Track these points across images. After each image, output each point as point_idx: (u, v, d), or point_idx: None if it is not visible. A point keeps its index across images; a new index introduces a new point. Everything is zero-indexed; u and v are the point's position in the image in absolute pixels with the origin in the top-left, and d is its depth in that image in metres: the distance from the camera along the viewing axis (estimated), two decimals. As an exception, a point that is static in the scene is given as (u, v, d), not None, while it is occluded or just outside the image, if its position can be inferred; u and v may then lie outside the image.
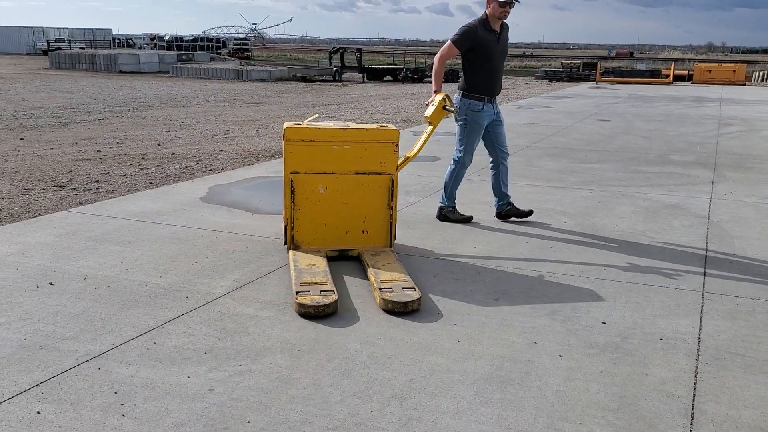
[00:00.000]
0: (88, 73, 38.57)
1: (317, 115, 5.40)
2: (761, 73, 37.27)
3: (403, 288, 3.87)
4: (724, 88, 27.35)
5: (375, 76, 37.07)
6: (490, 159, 5.64)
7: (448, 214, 5.67)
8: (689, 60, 63.04)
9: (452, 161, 5.61)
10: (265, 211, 5.92)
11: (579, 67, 38.61)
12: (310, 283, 3.89)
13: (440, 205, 5.73)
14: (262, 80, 34.25)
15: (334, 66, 37.03)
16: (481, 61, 5.30)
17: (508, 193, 5.70)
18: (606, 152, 9.61)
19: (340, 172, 4.60)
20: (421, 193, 6.71)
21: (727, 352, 3.30)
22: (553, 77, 35.50)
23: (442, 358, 3.19)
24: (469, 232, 5.40)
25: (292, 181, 4.55)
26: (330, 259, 4.51)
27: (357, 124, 4.76)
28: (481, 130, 5.45)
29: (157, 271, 4.31)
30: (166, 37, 76.46)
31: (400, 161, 4.81)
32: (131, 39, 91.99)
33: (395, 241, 4.86)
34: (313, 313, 3.59)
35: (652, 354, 3.27)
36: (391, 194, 4.69)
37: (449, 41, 5.33)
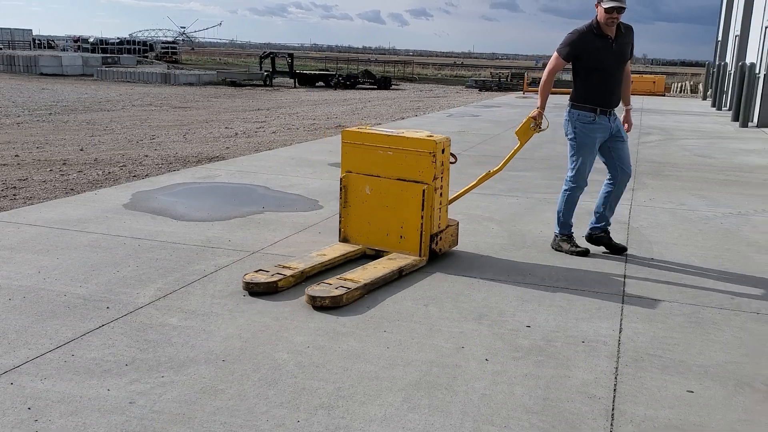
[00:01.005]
0: (5, 75, 37.02)
1: (374, 124, 5.42)
2: (679, 84, 38.99)
3: (341, 286, 3.97)
4: (645, 98, 28.41)
5: (307, 81, 36.94)
6: (609, 175, 5.13)
7: (561, 243, 5.13)
8: (612, 71, 65.22)
9: (564, 183, 5.13)
10: (190, 218, 5.79)
11: (507, 76, 39.52)
12: (284, 266, 4.31)
13: (555, 233, 5.22)
14: (191, 84, 33.63)
15: (265, 71, 36.71)
16: (590, 68, 4.83)
17: (609, 219, 5.22)
18: (532, 160, 9.82)
19: (384, 176, 4.76)
20: (352, 200, 6.69)
21: (645, 354, 3.41)
22: (483, 86, 36.19)
23: (370, 365, 3.18)
24: (399, 238, 5.42)
25: (342, 179, 4.91)
26: (369, 257, 4.77)
27: (406, 132, 4.81)
28: (594, 147, 4.93)
29: (77, 280, 4.15)
30: (91, 39, 74.19)
31: (480, 177, 5.02)
32: (53, 40, 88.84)
33: (448, 249, 4.93)
34: (247, 289, 4.03)
35: (575, 356, 3.35)
36: (422, 204, 4.61)
37: (555, 52, 4.91)
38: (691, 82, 39.46)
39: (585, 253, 5.05)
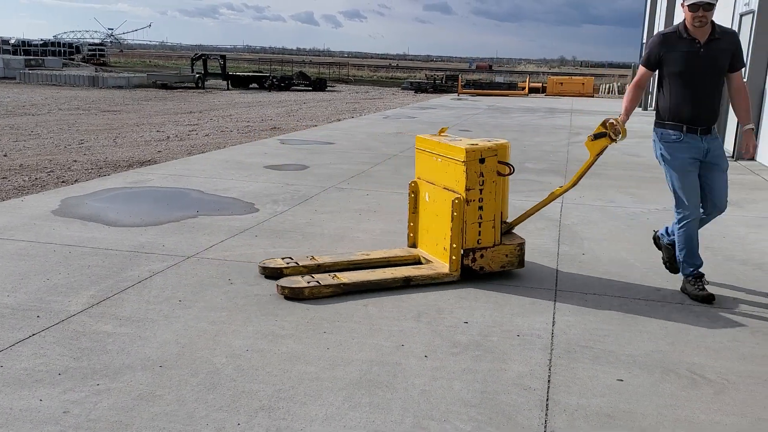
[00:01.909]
0: None
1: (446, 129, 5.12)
2: (607, 85, 40.22)
3: (316, 281, 4.13)
4: (574, 99, 29.23)
5: (240, 83, 36.46)
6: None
7: (686, 285, 4.37)
8: (543, 73, 66.85)
9: (674, 218, 4.36)
10: (123, 223, 5.66)
11: (442, 79, 39.92)
12: (309, 258, 4.62)
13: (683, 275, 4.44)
14: (120, 87, 32.75)
15: (197, 73, 36.07)
16: (673, 76, 4.14)
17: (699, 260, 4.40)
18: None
19: (437, 184, 4.66)
20: (290, 202, 6.67)
21: (577, 346, 3.53)
22: (418, 88, 36.47)
23: (311, 366, 3.19)
24: (339, 239, 5.43)
25: (411, 185, 4.96)
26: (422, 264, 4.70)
27: (463, 139, 4.60)
28: (686, 169, 4.15)
29: (4, 289, 4.01)
30: (12, 41, 71.35)
31: (550, 195, 4.64)
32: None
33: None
34: (260, 271, 4.46)
35: (511, 350, 3.43)
36: (452, 216, 4.38)
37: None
38: (619, 84, 40.74)
39: (707, 299, 4.22)
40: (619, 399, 2.97)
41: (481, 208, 4.38)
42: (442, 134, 4.91)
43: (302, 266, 4.49)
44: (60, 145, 11.97)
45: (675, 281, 4.62)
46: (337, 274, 4.30)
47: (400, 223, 6.00)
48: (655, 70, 4.25)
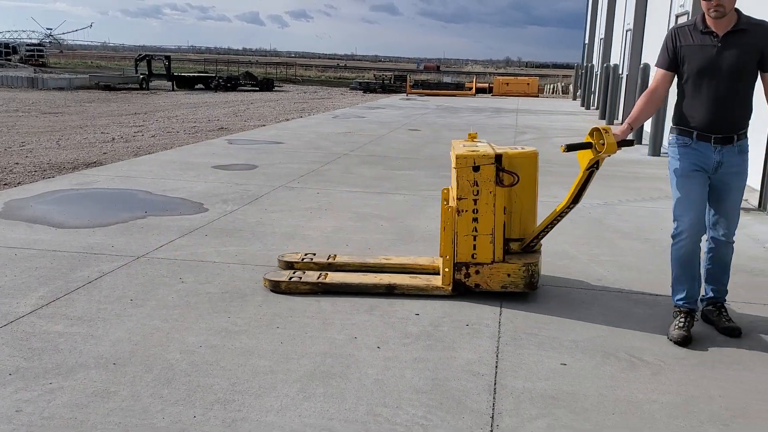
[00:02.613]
0: None
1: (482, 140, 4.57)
2: (552, 86, 41.07)
3: (298, 278, 4.22)
4: (520, 99, 29.74)
5: (185, 84, 35.95)
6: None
7: (673, 317, 3.75)
8: (490, 74, 67.76)
9: None
10: (70, 225, 5.58)
11: (391, 79, 40.10)
12: (331, 257, 4.69)
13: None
14: (61, 89, 31.91)
15: (141, 74, 35.41)
16: (686, 76, 3.59)
17: (722, 287, 3.81)
18: (417, 159, 10.11)
19: (450, 191, 4.41)
20: (239, 202, 6.67)
21: (523, 333, 3.66)
22: (367, 88, 36.56)
23: (264, 360, 3.24)
24: (290, 237, 5.47)
25: (442, 192, 4.65)
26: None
27: (471, 145, 4.26)
28: (689, 179, 3.57)
29: (-53, 293, 3.93)
30: (-56, 41, 68.71)
31: (551, 215, 4.08)
32: None
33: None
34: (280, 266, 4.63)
35: (460, 339, 3.55)
36: (444, 225, 4.10)
37: None
38: (563, 84, 41.65)
39: (681, 342, 3.54)
40: (562, 382, 3.11)
41: (475, 220, 4.01)
42: (472, 139, 4.49)
43: (314, 263, 4.55)
44: None
45: (615, 271, 4.82)
46: (328, 273, 4.31)
47: (351, 220, 6.08)
48: (673, 71, 3.63)
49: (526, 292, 4.13)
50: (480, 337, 3.58)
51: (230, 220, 5.97)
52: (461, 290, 4.12)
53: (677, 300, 3.72)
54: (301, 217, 6.12)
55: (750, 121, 3.61)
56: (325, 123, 15.54)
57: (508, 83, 34.46)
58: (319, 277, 4.23)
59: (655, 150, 11.01)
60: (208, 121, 17.15)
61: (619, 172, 9.35)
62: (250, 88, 35.78)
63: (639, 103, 3.71)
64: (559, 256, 5.16)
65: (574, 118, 18.96)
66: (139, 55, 40.27)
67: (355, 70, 77.40)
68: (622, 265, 5.01)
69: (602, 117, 17.44)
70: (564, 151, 3.70)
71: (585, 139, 3.69)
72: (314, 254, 4.75)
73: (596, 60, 24.55)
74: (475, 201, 4.01)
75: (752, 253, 5.38)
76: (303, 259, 4.63)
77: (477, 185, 3.99)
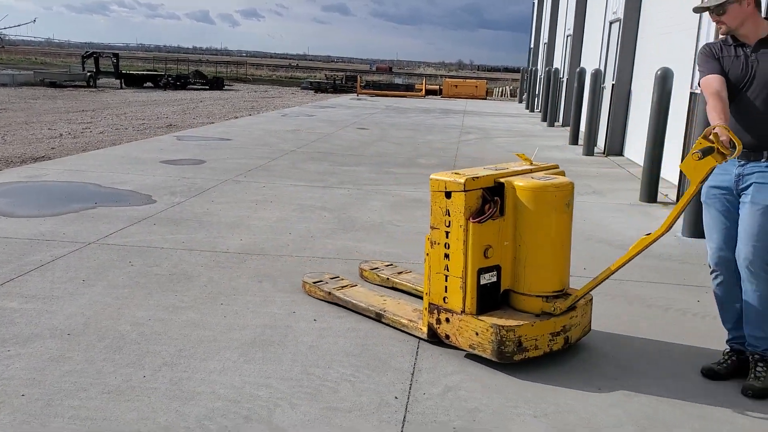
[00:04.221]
0: None
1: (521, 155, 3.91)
2: (500, 89, 41.93)
3: (330, 286, 4.11)
4: (468, 101, 30.34)
5: (134, 82, 35.59)
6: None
7: (714, 365, 3.34)
8: (442, 76, 68.58)
9: None
10: (20, 215, 5.75)
11: (342, 79, 40.41)
12: (401, 272, 4.53)
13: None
14: (4, 85, 31.26)
15: (88, 71, 34.91)
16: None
17: (755, 333, 3.19)
18: (363, 156, 10.44)
19: None
20: (187, 194, 6.90)
21: (448, 308, 4.03)
22: (318, 88, 36.78)
23: (209, 331, 3.53)
24: (235, 227, 5.74)
25: None
26: None
27: (492, 167, 3.58)
28: (705, 202, 3.28)
29: None
30: None
31: (643, 241, 3.14)
32: None
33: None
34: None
35: (390, 313, 3.89)
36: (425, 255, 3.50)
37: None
38: (511, 87, 42.57)
39: (709, 375, 3.30)
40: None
41: (447, 256, 3.32)
42: (529, 162, 3.70)
43: (378, 275, 4.45)
44: (-57, 142, 11.57)
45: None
46: (351, 286, 4.12)
47: (295, 212, 6.37)
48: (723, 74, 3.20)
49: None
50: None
51: (178, 210, 6.20)
52: (438, 337, 3.45)
53: (730, 343, 3.36)
54: (247, 209, 6.39)
55: None
56: (274, 121, 15.75)
57: (457, 85, 35.09)
58: (336, 288, 4.06)
59: (589, 150, 11.59)
60: (157, 119, 17.18)
61: (554, 170, 9.86)
62: (200, 87, 35.62)
63: (715, 103, 3.08)
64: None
65: (517, 120, 19.57)
66: (86, 52, 39.63)
67: (307, 70, 77.38)
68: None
69: (544, 119, 18.08)
70: (698, 159, 2.92)
71: (700, 144, 2.93)
72: (394, 266, 4.60)
73: (540, 64, 25.32)
74: (446, 234, 3.31)
75: (665, 240, 5.87)
76: (374, 268, 4.53)
77: (449, 215, 3.29)
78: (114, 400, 2.77)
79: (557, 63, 20.56)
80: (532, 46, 30.04)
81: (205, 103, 23.90)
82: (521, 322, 3.21)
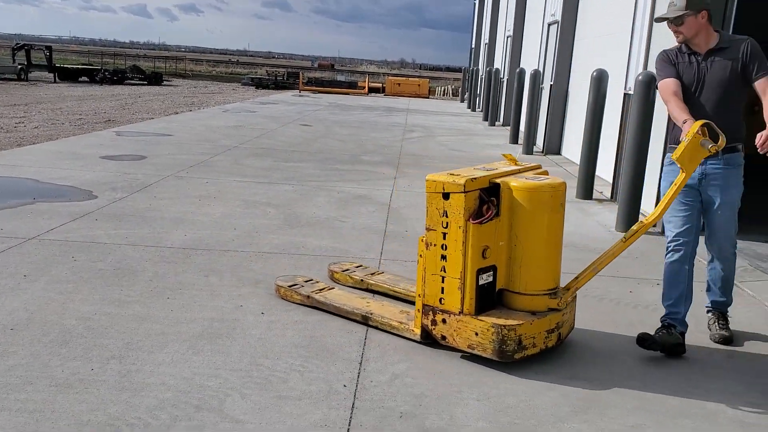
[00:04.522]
0: None
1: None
2: (443, 88, 42.38)
3: (304, 290, 4.03)
4: (411, 99, 30.58)
5: (68, 76, 34.56)
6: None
7: (658, 335, 3.58)
8: (384, 74, 68.78)
9: None
10: (-45, 209, 5.58)
11: (284, 75, 40.14)
12: (373, 274, 4.48)
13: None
14: (-72, 77, 29.96)
15: (19, 64, 33.72)
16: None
17: (720, 299, 3.84)
18: (307, 153, 10.47)
19: None
20: (128, 190, 6.81)
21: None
22: (259, 84, 36.45)
23: (157, 324, 3.54)
24: (179, 222, 5.71)
25: None
26: None
27: (481, 168, 3.57)
28: (678, 197, 3.54)
29: None
30: None
31: (636, 229, 3.44)
32: None
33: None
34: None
35: (337, 305, 3.97)
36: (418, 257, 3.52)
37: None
38: (453, 86, 43.06)
39: (642, 339, 3.55)
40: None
41: (444, 258, 3.34)
42: (513, 162, 3.76)
43: (350, 276, 4.39)
44: None
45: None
46: (329, 288, 4.07)
47: (239, 207, 6.37)
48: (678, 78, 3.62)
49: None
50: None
51: (120, 206, 6.12)
52: (432, 338, 3.46)
53: (668, 316, 3.66)
54: (191, 204, 6.35)
55: (742, 136, 3.61)
56: (216, 117, 15.59)
57: (399, 84, 35.33)
58: (314, 291, 3.98)
59: (528, 149, 11.90)
60: (95, 114, 16.78)
61: (495, 167, 10.10)
62: (138, 82, 34.87)
63: (677, 103, 3.52)
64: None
65: (459, 119, 19.87)
66: (17, 44, 38.29)
67: (248, 66, 76.52)
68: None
69: (485, 118, 18.40)
70: (710, 147, 3.24)
71: (693, 137, 3.25)
72: (364, 267, 4.56)
73: (481, 64, 25.73)
74: (444, 235, 3.33)
75: (598, 235, 6.12)
76: (346, 270, 4.48)
77: (447, 216, 3.31)
78: (62, 392, 2.76)
79: (498, 63, 20.94)
80: (473, 46, 30.49)
81: (144, 99, 23.43)
82: (521, 321, 3.27)
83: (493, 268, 3.38)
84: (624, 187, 6.27)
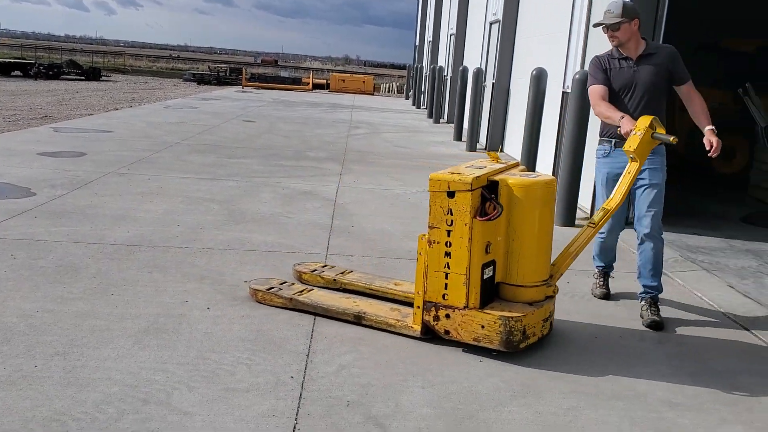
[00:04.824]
0: None
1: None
2: (388, 85, 42.52)
3: (281, 292, 3.96)
4: (356, 96, 30.60)
5: (0, 71, 33.38)
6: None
7: (602, 289, 4.48)
8: (328, 70, 68.53)
9: None
10: None
11: (226, 71, 39.64)
12: (344, 273, 4.44)
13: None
14: None
15: (-52, 57, 32.40)
16: (610, 94, 4.15)
17: (650, 283, 4.19)
18: (251, 149, 10.41)
19: None
20: (68, 187, 6.68)
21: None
22: (201, 80, 35.89)
23: (101, 320, 3.51)
24: (121, 219, 5.63)
25: None
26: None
27: (471, 167, 3.71)
28: (608, 187, 4.18)
29: None
30: None
31: (602, 215, 3.86)
32: None
33: None
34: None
35: (284, 299, 4.00)
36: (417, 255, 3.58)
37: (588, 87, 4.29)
38: (398, 83, 43.24)
39: (604, 297, 4.44)
40: (365, 329, 3.66)
41: (448, 254, 3.40)
42: (495, 159, 3.96)
43: (321, 276, 4.32)
44: None
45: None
46: (309, 289, 4.03)
47: (182, 204, 6.32)
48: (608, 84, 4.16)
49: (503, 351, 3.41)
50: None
51: (60, 203, 6.00)
52: (433, 334, 3.53)
53: (597, 266, 4.52)
54: (132, 201, 6.27)
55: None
56: (157, 113, 15.33)
57: (344, 80, 35.29)
58: (296, 293, 3.92)
59: (472, 145, 12.11)
60: (30, 110, 16.28)
61: (439, 165, 10.25)
62: (74, 77, 33.88)
63: (607, 105, 4.05)
64: (378, 233, 5.77)
65: (404, 116, 20.02)
66: (-55, 35, 36.73)
67: (189, 62, 75.11)
68: (431, 239, 5.70)
69: (430, 116, 18.60)
70: (675, 142, 3.77)
71: (645, 131, 3.75)
72: (332, 267, 4.52)
73: (426, 61, 25.96)
74: (448, 232, 3.39)
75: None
76: (314, 270, 4.41)
77: (451, 214, 3.38)
78: (4, 389, 2.73)
79: (441, 61, 21.17)
80: (417, 43, 30.73)
81: (82, 94, 22.83)
82: (524, 312, 3.41)
83: (494, 263, 3.51)
84: (563, 181, 6.47)
